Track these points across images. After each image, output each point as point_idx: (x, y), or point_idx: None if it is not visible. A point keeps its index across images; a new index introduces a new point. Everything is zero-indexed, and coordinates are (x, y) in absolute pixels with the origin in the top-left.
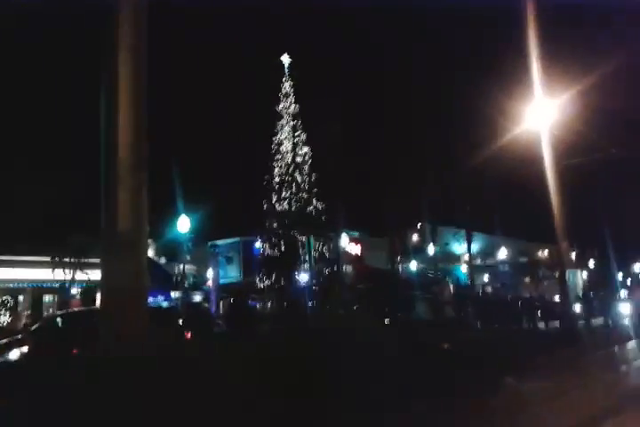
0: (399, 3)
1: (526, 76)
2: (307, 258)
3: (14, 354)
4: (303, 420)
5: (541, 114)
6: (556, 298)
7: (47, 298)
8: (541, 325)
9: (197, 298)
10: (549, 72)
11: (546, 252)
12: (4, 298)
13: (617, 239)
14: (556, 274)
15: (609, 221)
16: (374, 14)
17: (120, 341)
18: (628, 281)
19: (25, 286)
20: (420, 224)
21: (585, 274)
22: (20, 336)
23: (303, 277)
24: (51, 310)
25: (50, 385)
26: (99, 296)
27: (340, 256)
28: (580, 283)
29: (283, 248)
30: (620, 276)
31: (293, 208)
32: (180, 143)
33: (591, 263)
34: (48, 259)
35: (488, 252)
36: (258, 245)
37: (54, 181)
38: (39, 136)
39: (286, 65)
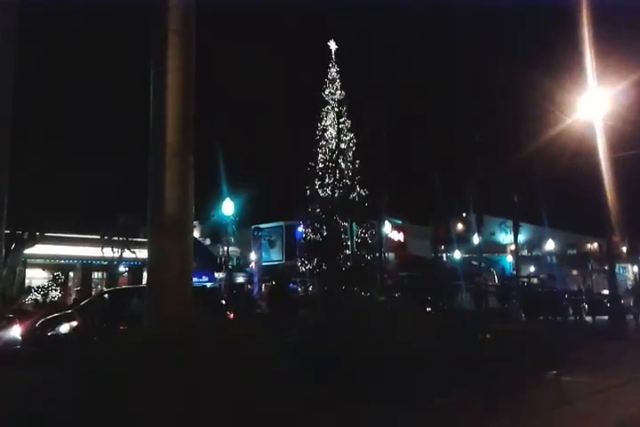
0: None
1: (579, 65)
2: (349, 244)
3: (64, 328)
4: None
5: (594, 104)
6: (605, 292)
7: (96, 275)
8: (588, 318)
9: (240, 279)
10: (604, 61)
11: (595, 245)
12: (56, 274)
13: None
14: (606, 267)
15: None
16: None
17: (165, 319)
18: None
19: (75, 262)
20: (465, 213)
21: (636, 269)
22: (69, 311)
23: (344, 263)
24: (99, 287)
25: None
26: (145, 275)
27: (382, 243)
28: (630, 277)
29: (325, 233)
30: None
31: (336, 194)
32: (227, 128)
33: None
34: (97, 237)
35: (535, 243)
36: (300, 229)
37: (104, 162)
38: (93, 117)
39: (333, 50)
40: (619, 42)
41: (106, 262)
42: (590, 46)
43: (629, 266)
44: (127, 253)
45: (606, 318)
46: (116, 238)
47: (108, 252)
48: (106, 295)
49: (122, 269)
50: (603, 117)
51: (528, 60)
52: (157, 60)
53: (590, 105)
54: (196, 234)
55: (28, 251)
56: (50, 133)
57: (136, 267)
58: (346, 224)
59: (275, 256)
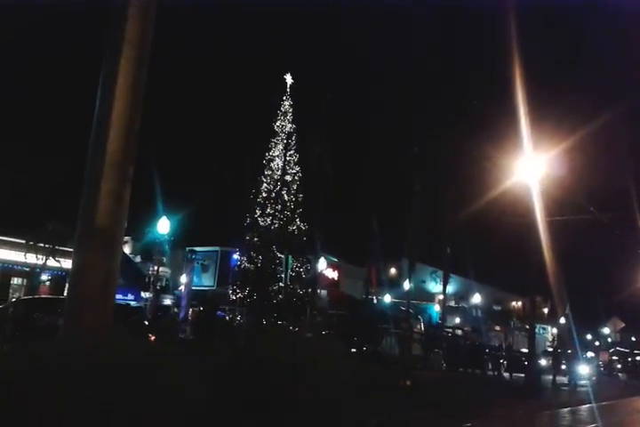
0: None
1: (516, 131)
2: (283, 276)
3: None
4: None
5: (530, 168)
6: (524, 350)
7: (16, 281)
8: (506, 374)
9: (167, 302)
10: (540, 128)
11: (519, 303)
12: None
13: (591, 300)
14: (527, 326)
15: (587, 281)
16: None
17: (82, 334)
18: (597, 343)
19: None
20: (399, 259)
21: (555, 330)
22: None
23: (276, 296)
24: (17, 294)
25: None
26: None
27: (316, 279)
28: (549, 338)
29: (260, 264)
30: (589, 337)
31: (276, 225)
32: (171, 147)
33: (562, 321)
34: (22, 241)
35: (463, 295)
36: (236, 256)
37: (38, 166)
38: (30, 120)
39: (288, 84)
40: (553, 110)
41: (28, 269)
42: (526, 113)
43: (549, 327)
44: (52, 262)
45: (523, 375)
46: (41, 245)
47: (32, 258)
48: (23, 303)
49: (44, 277)
50: (537, 182)
51: (473, 121)
52: (109, 68)
53: (526, 169)
54: (127, 250)
55: None
56: None
57: (59, 276)
58: (282, 256)
59: (206, 281)
